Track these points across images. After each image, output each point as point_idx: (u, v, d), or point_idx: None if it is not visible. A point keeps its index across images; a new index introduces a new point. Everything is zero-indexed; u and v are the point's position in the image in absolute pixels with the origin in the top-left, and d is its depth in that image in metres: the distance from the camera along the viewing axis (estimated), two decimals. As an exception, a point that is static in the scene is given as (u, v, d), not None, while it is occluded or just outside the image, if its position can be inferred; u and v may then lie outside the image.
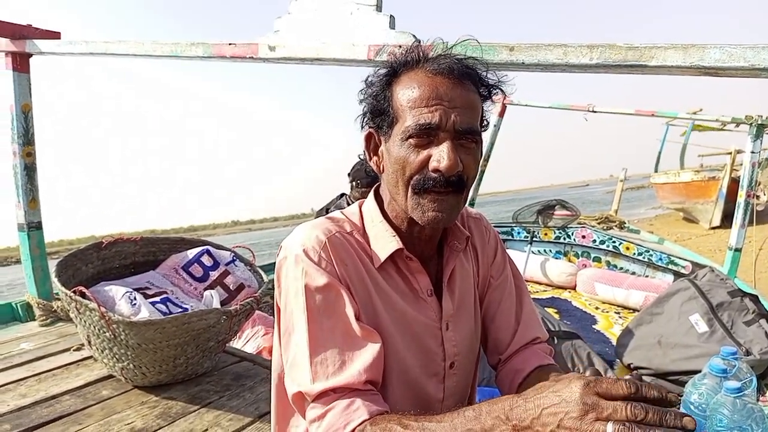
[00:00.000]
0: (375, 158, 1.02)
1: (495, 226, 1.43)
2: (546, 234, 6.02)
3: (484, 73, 0.96)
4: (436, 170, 0.89)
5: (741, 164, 4.62)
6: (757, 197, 5.88)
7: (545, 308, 4.31)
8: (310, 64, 1.69)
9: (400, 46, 1.48)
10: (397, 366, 0.97)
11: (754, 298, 2.94)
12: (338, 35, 1.58)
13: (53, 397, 1.92)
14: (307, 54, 1.65)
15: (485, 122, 0.99)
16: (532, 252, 5.72)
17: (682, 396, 0.72)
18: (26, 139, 3.01)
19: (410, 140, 0.90)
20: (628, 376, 0.68)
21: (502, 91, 0.98)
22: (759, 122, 3.77)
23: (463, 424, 0.74)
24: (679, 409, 0.66)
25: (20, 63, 2.95)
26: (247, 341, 3.06)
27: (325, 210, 3.25)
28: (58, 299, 2.90)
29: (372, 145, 1.02)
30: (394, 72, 0.96)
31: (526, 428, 0.67)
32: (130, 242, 2.36)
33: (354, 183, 3.05)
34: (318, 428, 0.85)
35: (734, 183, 10.10)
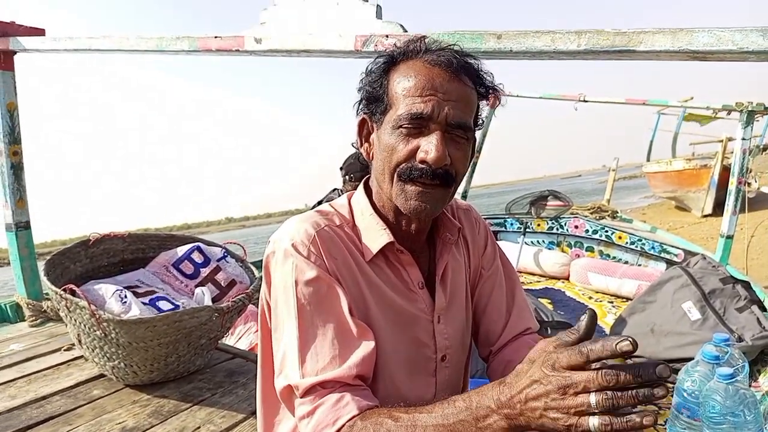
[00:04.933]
0: (366, 145, 1.02)
1: (488, 218, 1.42)
2: (539, 225, 6.02)
3: (484, 73, 0.95)
4: (423, 161, 0.88)
5: (732, 152, 4.64)
6: (749, 184, 5.91)
7: (539, 299, 4.31)
8: (297, 56, 1.67)
9: (387, 36, 1.46)
10: (388, 359, 0.96)
11: (746, 285, 2.95)
12: (325, 26, 1.56)
13: (43, 397, 1.90)
14: (293, 46, 1.63)
15: (480, 120, 0.98)
16: (525, 243, 5.72)
17: (675, 383, 0.71)
18: (12, 138, 2.96)
19: (401, 129, 0.89)
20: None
21: (496, 91, 0.97)
22: (750, 109, 3.77)
23: (454, 414, 0.73)
24: (671, 391, 0.65)
25: (4, 61, 2.90)
26: (240, 337, 3.04)
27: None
28: (48, 299, 2.87)
29: (365, 131, 1.02)
30: (392, 60, 0.95)
31: (518, 415, 0.68)
32: (118, 239, 2.34)
33: (347, 177, 3.01)
34: (307, 425, 0.84)
35: (725, 171, 10.15)
